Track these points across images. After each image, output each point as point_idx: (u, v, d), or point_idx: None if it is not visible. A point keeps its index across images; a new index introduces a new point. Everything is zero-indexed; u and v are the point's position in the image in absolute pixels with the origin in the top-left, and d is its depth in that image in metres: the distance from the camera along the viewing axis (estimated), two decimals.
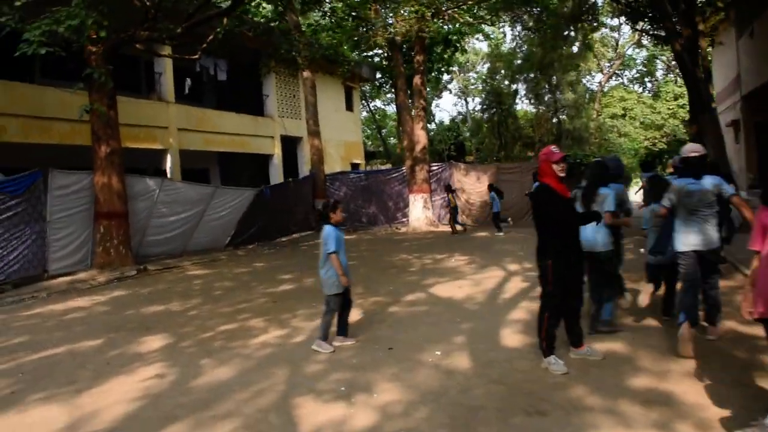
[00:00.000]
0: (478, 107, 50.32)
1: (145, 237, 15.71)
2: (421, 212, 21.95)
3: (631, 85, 52.19)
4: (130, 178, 14.96)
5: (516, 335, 6.41)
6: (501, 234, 17.78)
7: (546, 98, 43.18)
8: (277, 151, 26.03)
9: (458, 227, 19.43)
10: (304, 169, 27.33)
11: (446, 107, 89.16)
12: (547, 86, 42.28)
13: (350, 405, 4.67)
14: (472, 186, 22.17)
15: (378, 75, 36.64)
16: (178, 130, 20.59)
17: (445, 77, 45.51)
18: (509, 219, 19.79)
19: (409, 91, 24.63)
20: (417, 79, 22.46)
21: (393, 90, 43.00)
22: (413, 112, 22.81)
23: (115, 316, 9.03)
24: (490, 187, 19.41)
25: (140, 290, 11.59)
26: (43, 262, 13.13)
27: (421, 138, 22.12)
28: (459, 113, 55.20)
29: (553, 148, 5.24)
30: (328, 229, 6.28)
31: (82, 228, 13.97)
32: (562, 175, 5.16)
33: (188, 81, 23.12)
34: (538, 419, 4.15)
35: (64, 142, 16.42)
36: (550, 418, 4.16)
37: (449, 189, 20.02)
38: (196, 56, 16.73)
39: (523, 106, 50.92)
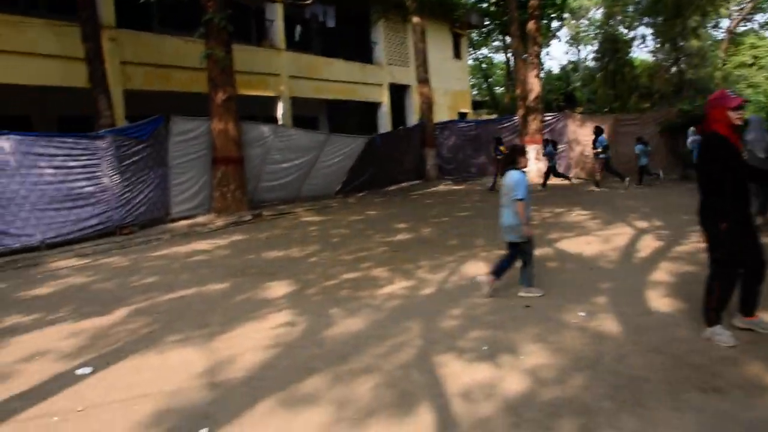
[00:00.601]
0: (591, 56, 47.62)
1: (260, 183, 15.94)
2: (533, 163, 21.11)
3: (763, 31, 47.59)
4: (245, 125, 15.10)
5: (663, 299, 5.84)
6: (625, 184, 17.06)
7: (665, 46, 40.11)
8: (385, 100, 25.73)
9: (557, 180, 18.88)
10: (412, 118, 26.91)
11: (555, 56, 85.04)
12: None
13: (496, 366, 4.35)
14: (588, 138, 20.99)
15: (486, 21, 35.30)
16: (289, 77, 20.64)
17: (554, 24, 43.20)
18: (660, 173, 18.61)
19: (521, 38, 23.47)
20: (531, 24, 21.25)
21: (501, 37, 41.45)
22: (527, 59, 21.75)
23: (237, 261, 9.15)
24: (638, 140, 18.38)
25: (258, 235, 11.76)
26: (166, 206, 13.59)
27: (534, 86, 21.06)
28: (569, 62, 52.63)
29: (729, 91, 4.55)
30: (517, 175, 6.01)
31: (200, 173, 14.31)
32: (739, 123, 4.49)
33: (298, 28, 23.04)
34: (716, 398, 3.66)
35: (183, 89, 16.80)
36: (728, 397, 3.67)
37: (498, 141, 19.24)
38: (309, 2, 16.53)
39: (640, 54, 47.78)
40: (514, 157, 6.14)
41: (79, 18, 13.00)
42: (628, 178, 17.29)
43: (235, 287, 7.34)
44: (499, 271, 6.31)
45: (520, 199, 5.94)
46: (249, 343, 5.14)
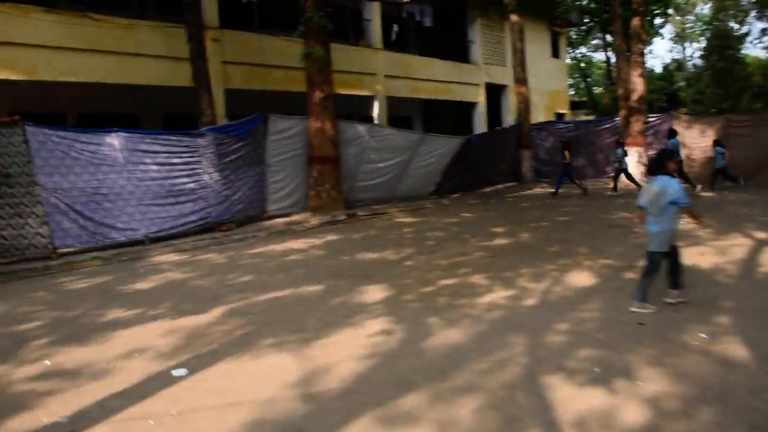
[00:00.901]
0: (697, 53, 44.98)
1: (355, 182, 15.87)
2: (634, 167, 19.99)
3: None
4: (342, 124, 15.07)
5: None
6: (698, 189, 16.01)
7: None
8: (481, 99, 25.21)
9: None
10: (508, 118, 26.23)
11: (658, 54, 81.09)
12: None
13: (611, 393, 3.92)
14: (695, 141, 19.62)
15: (586, 19, 34.00)
16: (385, 76, 20.53)
17: (657, 21, 41.03)
18: (740, 179, 17.22)
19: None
20: (636, 21, 20.11)
21: (601, 35, 39.83)
22: (630, 57, 20.64)
23: (332, 262, 9.03)
24: (715, 143, 17.25)
25: (352, 235, 11.64)
26: (263, 203, 13.73)
27: (638, 86, 19.93)
28: (673, 60, 49.97)
29: None
30: (672, 181, 5.66)
31: (296, 172, 14.39)
32: None
33: (395, 27, 22.93)
34: None
35: (281, 88, 17.01)
36: None
37: (566, 146, 18.04)
38: (406, 1, 16.33)
39: (753, 51, 44.62)
40: (663, 162, 5.76)
41: (185, 19, 13.36)
42: (699, 186, 16.38)
43: (331, 290, 7.18)
44: (676, 280, 5.86)
45: (687, 205, 5.63)
46: (345, 352, 4.93)
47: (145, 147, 11.47)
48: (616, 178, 17.86)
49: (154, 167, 11.57)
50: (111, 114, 15.12)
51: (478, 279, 7.37)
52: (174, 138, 11.96)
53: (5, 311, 7.01)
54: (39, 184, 10.01)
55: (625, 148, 17.87)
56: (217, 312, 6.37)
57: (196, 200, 12.14)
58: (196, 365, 4.76)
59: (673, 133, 17.37)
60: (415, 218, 14.07)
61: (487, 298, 6.44)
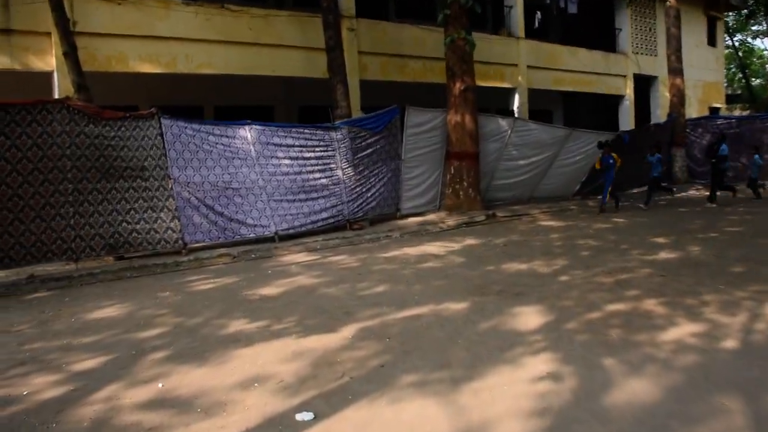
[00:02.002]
0: None
1: (493, 180, 14.72)
2: None
3: None
4: (483, 118, 13.98)
5: None
6: None
7: None
8: (628, 92, 23.06)
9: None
10: (657, 112, 23.81)
11: None
12: None
13: None
14: None
15: (750, 1, 30.37)
16: (527, 67, 19.11)
17: None
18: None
19: None
20: None
21: (766, 19, 35.59)
22: None
23: (474, 272, 7.98)
24: (756, 149, 15.06)
25: (494, 240, 10.52)
26: (397, 201, 12.96)
27: None
28: None
29: None
30: None
31: (433, 168, 13.49)
32: None
33: (538, 14, 21.39)
34: None
35: (417, 79, 16.19)
36: None
37: (601, 145, 14.35)
38: None
39: None
40: None
41: (321, 7, 12.80)
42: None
43: (477, 309, 6.14)
44: None
45: None
46: (504, 403, 3.88)
47: (278, 140, 11.05)
48: (650, 192, 15.02)
49: (287, 161, 11.14)
50: (246, 107, 15.03)
51: (652, 305, 6.02)
52: (307, 131, 11.47)
53: (131, 312, 6.61)
54: (172, 177, 9.85)
55: (656, 153, 15.07)
56: (348, 331, 5.53)
57: (328, 196, 11.58)
58: (323, 408, 3.91)
59: (722, 138, 14.91)
60: (560, 222, 12.70)
61: (671, 334, 5.11)
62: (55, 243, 8.70)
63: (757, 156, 15.31)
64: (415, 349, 4.96)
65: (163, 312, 6.58)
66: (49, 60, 10.80)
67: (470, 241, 10.56)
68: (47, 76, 11.02)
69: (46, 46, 10.77)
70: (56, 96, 10.39)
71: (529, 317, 5.78)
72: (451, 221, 12.42)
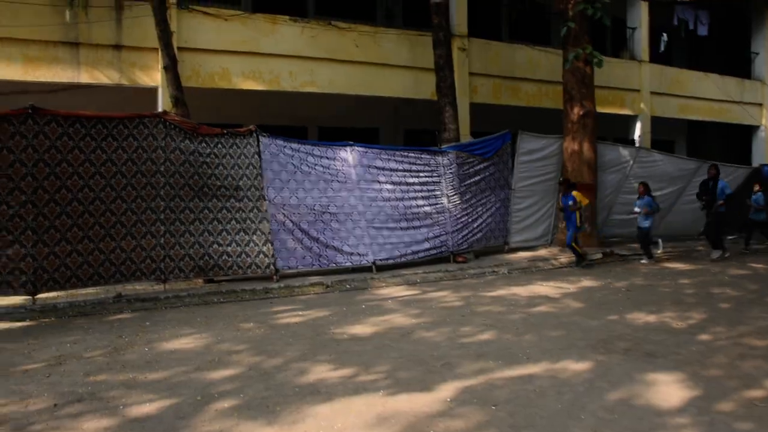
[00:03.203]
0: None
1: (611, 215, 13.37)
2: None
3: None
4: (602, 146, 12.78)
5: None
6: None
7: None
8: (764, 122, 20.78)
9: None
10: None
11: None
12: None
13: None
14: None
15: None
16: (650, 93, 17.57)
17: None
18: None
19: None
20: None
21: None
22: None
23: (594, 322, 6.84)
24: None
25: (614, 283, 9.28)
26: (505, 234, 11.94)
27: None
28: None
29: None
30: None
31: (545, 199, 12.39)
32: None
33: (664, 37, 19.74)
34: None
35: (531, 104, 15.17)
36: None
37: (567, 184, 11.40)
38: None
39: None
40: None
41: (432, 25, 12.13)
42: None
43: (601, 372, 5.05)
44: None
45: None
46: None
47: (380, 163, 10.46)
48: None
49: (389, 186, 10.52)
50: (351, 128, 14.60)
51: None
52: (412, 154, 10.83)
53: (208, 345, 6.02)
54: (267, 198, 9.40)
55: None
56: (446, 391, 4.61)
57: (431, 226, 10.79)
58: None
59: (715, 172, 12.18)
60: (688, 265, 11.20)
61: None
62: (144, 262, 8.37)
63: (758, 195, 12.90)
64: (527, 426, 3.97)
65: (241, 348, 5.93)
66: (154, 75, 10.74)
67: (587, 282, 9.37)
68: (152, 92, 10.97)
69: (153, 61, 10.72)
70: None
71: (669, 389, 4.63)
72: (564, 258, 11.24)
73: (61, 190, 7.72)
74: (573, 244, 10.80)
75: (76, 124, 7.81)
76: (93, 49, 10.33)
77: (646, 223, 11.44)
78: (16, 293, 7.51)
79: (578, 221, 10.75)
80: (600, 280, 9.54)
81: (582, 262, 10.85)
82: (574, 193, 10.85)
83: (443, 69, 12.04)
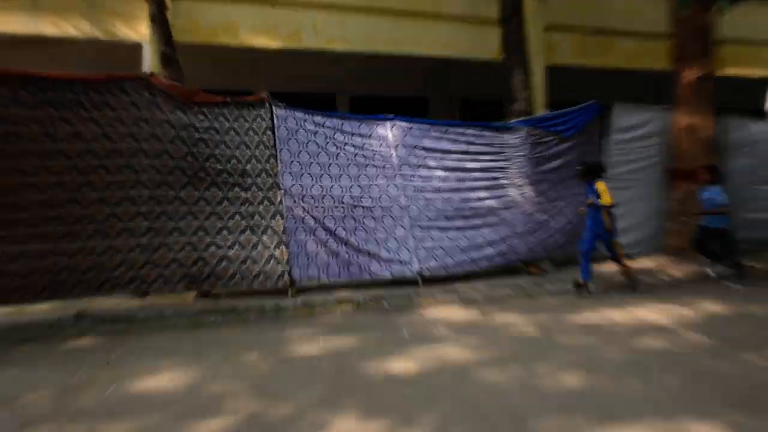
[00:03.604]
0: None
1: (740, 212, 12.42)
2: None
3: None
4: (727, 121, 11.88)
5: None
6: None
7: None
8: None
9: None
10: None
11: None
12: None
13: None
14: None
15: None
16: None
17: None
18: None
19: None
20: None
21: None
22: None
23: (728, 366, 6.01)
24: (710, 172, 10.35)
25: (751, 308, 8.41)
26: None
27: None
28: None
29: None
30: None
31: (647, 191, 11.71)
32: None
33: None
34: None
35: (628, 66, 14.51)
36: None
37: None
38: None
39: None
40: None
41: None
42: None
43: None
44: None
45: None
46: None
47: (429, 143, 10.14)
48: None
49: (440, 173, 10.16)
50: (392, 98, 14.20)
51: None
52: (471, 131, 10.44)
53: (193, 385, 5.55)
54: (282, 187, 9.12)
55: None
56: None
57: (496, 225, 10.31)
58: None
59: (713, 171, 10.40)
60: None
61: None
62: (118, 268, 8.05)
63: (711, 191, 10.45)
64: None
65: (238, 388, 5.43)
66: (138, 27, 10.54)
67: (712, 306, 8.53)
68: (136, 48, 10.76)
69: (138, 10, 10.47)
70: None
71: None
72: (677, 272, 10.41)
73: (7, 173, 7.32)
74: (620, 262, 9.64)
75: (28, 85, 7.45)
76: None
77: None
78: None
79: (606, 224, 9.48)
80: (732, 304, 8.68)
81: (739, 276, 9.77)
82: (597, 184, 9.23)
83: (511, 20, 11.46)
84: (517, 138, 10.54)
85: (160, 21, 9.49)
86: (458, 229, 10.09)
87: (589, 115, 11.18)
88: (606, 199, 9.05)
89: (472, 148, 10.32)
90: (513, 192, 10.37)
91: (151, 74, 8.66)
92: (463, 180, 10.25)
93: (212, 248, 8.52)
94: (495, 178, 10.39)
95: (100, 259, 7.86)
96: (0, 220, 7.30)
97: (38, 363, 6.27)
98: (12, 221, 7.37)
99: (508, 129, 10.64)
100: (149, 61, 10.34)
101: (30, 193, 7.46)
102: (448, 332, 7.30)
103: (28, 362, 6.31)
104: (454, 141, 10.24)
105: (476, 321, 7.86)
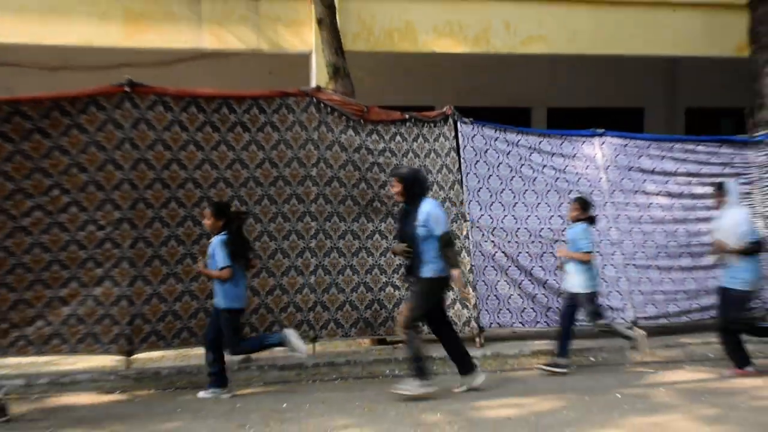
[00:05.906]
0: None
1: None
2: None
3: None
4: None
5: None
6: None
7: None
8: None
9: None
10: None
11: None
12: None
13: None
14: None
15: None
16: None
17: None
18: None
19: None
20: None
21: None
22: None
23: None
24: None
25: None
26: None
27: None
28: None
29: None
30: None
31: None
32: None
33: None
34: None
35: None
36: None
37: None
38: None
39: None
40: None
41: None
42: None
43: None
44: None
45: None
46: None
47: (648, 163, 10.23)
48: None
49: (662, 200, 10.24)
50: (596, 109, 14.13)
51: None
52: (702, 148, 10.48)
53: None
54: (469, 218, 9.31)
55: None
56: None
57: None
58: None
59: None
60: None
61: None
62: (285, 310, 8.49)
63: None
64: None
65: None
66: (305, 35, 11.07)
67: None
68: (302, 60, 11.32)
69: (302, 15, 11.07)
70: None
71: None
72: None
73: (169, 203, 8.02)
74: None
75: (191, 107, 8.06)
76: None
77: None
78: (106, 352, 7.85)
79: None
80: None
81: None
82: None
83: (764, 2, 11.11)
84: (764, 155, 10.40)
85: (328, 25, 9.92)
86: (684, 269, 10.06)
87: None
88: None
89: (704, 169, 10.25)
90: (760, 224, 10.15)
91: (318, 88, 9.11)
92: (691, 209, 10.22)
93: (388, 288, 8.86)
94: None
95: (265, 300, 8.41)
96: (162, 254, 7.94)
97: (202, 413, 6.71)
98: (173, 255, 8.01)
99: (753, 144, 10.53)
100: (315, 73, 10.81)
101: (187, 228, 8.08)
102: (672, 398, 7.23)
103: (192, 412, 6.80)
104: (681, 160, 10.21)
105: (710, 385, 7.74)
